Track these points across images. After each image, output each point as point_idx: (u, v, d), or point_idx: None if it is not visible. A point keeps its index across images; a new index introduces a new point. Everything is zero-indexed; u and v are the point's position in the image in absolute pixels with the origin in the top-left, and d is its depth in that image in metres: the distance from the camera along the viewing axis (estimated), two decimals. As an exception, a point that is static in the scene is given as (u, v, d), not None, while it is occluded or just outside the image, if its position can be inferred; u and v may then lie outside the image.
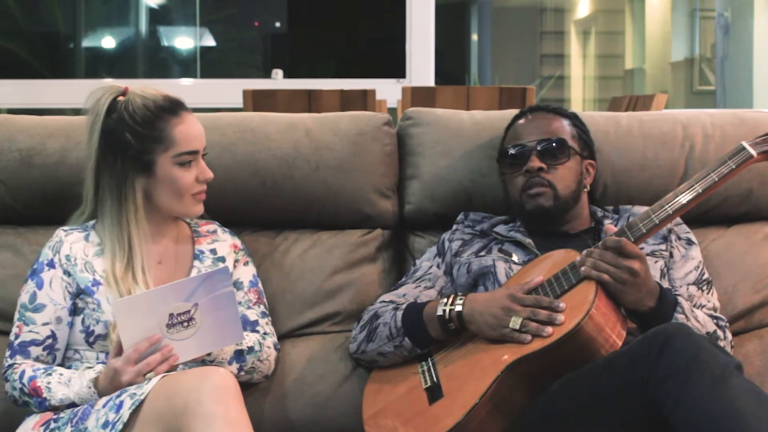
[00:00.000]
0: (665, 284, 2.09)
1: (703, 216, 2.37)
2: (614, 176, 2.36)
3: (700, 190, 1.96)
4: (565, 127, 2.22)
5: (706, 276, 2.16)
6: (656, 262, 2.13)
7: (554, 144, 2.18)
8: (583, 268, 1.91)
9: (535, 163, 2.16)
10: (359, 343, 2.14)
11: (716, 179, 1.97)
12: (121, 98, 2.02)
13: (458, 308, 1.98)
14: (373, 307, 2.17)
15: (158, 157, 2.01)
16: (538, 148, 2.17)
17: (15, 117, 2.38)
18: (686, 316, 1.96)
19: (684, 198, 1.95)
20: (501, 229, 2.23)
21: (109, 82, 2.07)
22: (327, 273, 2.33)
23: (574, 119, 2.27)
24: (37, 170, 2.28)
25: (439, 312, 2.00)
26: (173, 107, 2.03)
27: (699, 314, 2.01)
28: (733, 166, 1.97)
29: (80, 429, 1.81)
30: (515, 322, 1.89)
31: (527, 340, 1.87)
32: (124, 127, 2.00)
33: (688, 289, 2.12)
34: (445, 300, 2.01)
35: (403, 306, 2.09)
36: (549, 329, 1.85)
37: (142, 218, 2.02)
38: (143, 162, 2.00)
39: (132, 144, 1.99)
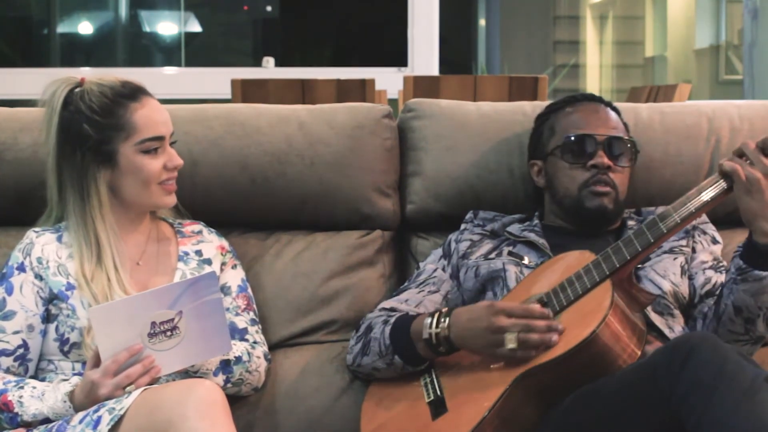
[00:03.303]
0: (685, 281, 2.09)
1: (731, 215, 2.36)
2: (633, 173, 2.36)
3: (725, 186, 1.95)
4: (622, 126, 2.23)
5: (723, 264, 2.17)
6: (675, 258, 2.13)
7: (628, 144, 2.19)
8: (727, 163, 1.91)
9: (605, 159, 2.15)
10: (355, 355, 2.14)
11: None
12: (77, 90, 2.03)
13: (445, 333, 1.96)
14: (370, 316, 2.17)
15: (120, 146, 2.01)
16: (607, 144, 2.17)
17: (-16, 109, 2.38)
18: None
19: (707, 195, 1.95)
20: (514, 228, 2.22)
21: (65, 72, 2.08)
22: (322, 278, 2.33)
23: (620, 115, 2.27)
24: (8, 166, 2.28)
25: (425, 336, 1.98)
26: (133, 92, 2.04)
27: None
28: (763, 161, 1.96)
29: (55, 446, 1.81)
30: (510, 340, 1.86)
31: (531, 356, 1.85)
32: (81, 118, 2.01)
33: (704, 273, 2.13)
34: (430, 320, 1.98)
35: (392, 320, 2.07)
36: (555, 337, 1.85)
37: (108, 214, 2.03)
38: (104, 153, 2.01)
39: (91, 135, 2.00)
